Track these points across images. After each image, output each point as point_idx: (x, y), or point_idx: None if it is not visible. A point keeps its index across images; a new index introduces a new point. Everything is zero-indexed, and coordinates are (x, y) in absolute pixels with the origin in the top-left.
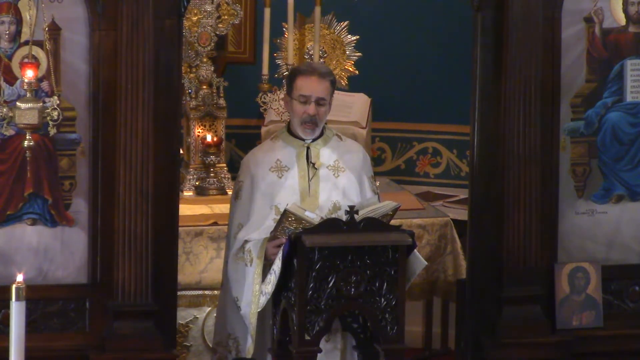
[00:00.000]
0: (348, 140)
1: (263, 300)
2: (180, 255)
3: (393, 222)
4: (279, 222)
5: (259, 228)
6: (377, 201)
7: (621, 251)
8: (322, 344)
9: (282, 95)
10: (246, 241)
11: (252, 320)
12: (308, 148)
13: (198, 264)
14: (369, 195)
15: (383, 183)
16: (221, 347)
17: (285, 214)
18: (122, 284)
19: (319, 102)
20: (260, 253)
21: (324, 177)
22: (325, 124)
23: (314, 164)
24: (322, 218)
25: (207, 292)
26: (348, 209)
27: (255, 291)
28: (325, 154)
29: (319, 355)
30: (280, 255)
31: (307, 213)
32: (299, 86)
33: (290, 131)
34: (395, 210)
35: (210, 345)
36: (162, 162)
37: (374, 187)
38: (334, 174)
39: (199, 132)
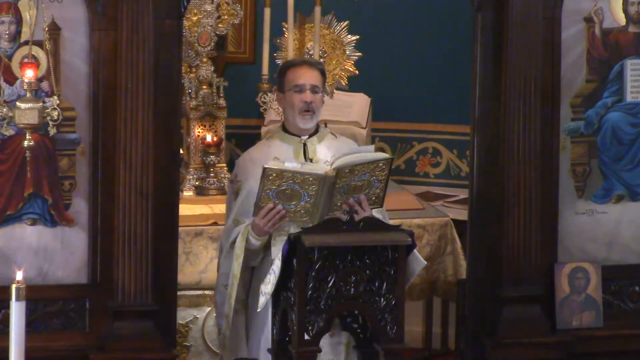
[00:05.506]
0: (342, 137)
1: (263, 300)
2: (180, 255)
3: (393, 222)
4: (261, 186)
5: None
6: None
7: (621, 251)
8: (327, 339)
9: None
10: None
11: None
12: (305, 145)
13: (198, 264)
14: None
15: None
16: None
17: (265, 172)
18: (122, 284)
19: (314, 89)
20: (243, 233)
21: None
22: (319, 122)
23: (311, 160)
24: (302, 165)
25: (207, 292)
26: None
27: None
28: (322, 151)
29: (323, 350)
30: (280, 255)
31: (286, 164)
32: (291, 78)
33: (285, 129)
34: (389, 163)
35: (211, 347)
36: (162, 162)
37: None
38: None
39: (199, 132)
